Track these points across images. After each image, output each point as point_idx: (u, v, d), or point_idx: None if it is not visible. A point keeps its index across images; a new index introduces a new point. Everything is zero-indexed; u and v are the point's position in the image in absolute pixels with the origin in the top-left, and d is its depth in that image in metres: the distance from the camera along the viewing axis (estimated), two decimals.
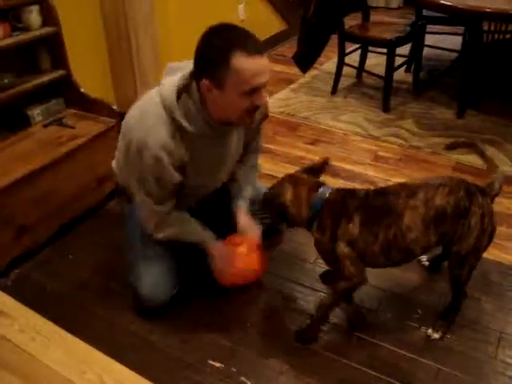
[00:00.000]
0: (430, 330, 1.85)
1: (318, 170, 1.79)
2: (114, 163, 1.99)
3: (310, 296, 2.01)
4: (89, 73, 2.87)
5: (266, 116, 1.90)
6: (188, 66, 1.61)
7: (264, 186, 1.99)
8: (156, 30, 3.06)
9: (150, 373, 1.69)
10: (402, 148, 3.02)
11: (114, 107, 2.54)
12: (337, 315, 1.91)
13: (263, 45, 1.55)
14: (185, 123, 1.60)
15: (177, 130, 1.61)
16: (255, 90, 1.52)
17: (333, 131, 3.23)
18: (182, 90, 1.61)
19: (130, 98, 3.06)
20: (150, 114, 1.63)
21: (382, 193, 1.69)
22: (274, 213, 1.76)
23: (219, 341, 1.83)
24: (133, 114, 1.69)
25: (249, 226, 1.89)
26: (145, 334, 1.86)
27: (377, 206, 1.65)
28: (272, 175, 2.72)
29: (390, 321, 1.90)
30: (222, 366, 1.74)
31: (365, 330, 1.86)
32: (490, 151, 2.92)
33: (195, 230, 1.84)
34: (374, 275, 1.96)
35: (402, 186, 1.71)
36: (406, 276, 2.09)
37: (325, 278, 2.05)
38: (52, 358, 1.75)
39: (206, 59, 1.51)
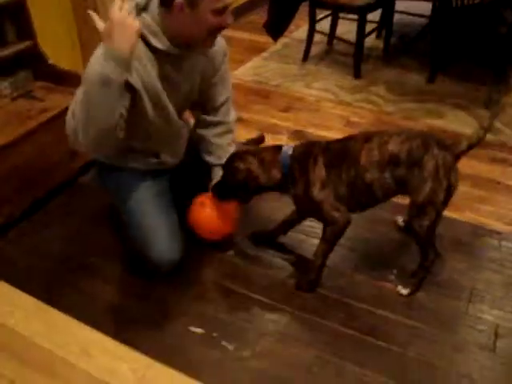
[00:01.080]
0: (399, 287, 1.91)
1: (256, 144, 1.83)
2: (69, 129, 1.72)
3: (286, 253, 2.06)
4: (57, 44, 2.80)
5: (225, 53, 1.92)
6: None
7: None
8: None
9: (131, 340, 1.73)
10: (374, 113, 3.05)
11: None
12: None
13: None
14: (149, 36, 1.60)
15: (144, 46, 1.60)
16: (225, 10, 1.58)
17: (305, 98, 3.23)
18: (141, 8, 1.61)
19: None
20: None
21: (341, 139, 1.81)
22: (243, 189, 1.80)
23: (200, 307, 1.85)
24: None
25: None
26: (124, 302, 1.88)
27: (337, 149, 1.76)
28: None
29: (365, 282, 1.95)
30: (203, 331, 1.76)
31: (340, 292, 1.90)
32: (461, 115, 2.97)
33: None
34: (348, 238, 2.02)
35: (360, 133, 1.83)
36: (381, 238, 2.14)
37: (255, 238, 2.13)
38: (34, 332, 1.76)
39: None
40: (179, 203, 1.97)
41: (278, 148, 1.80)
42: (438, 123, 2.90)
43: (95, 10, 2.78)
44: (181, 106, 1.88)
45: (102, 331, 1.76)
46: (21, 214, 2.24)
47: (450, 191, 1.72)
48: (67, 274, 1.99)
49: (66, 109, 2.30)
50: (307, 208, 1.82)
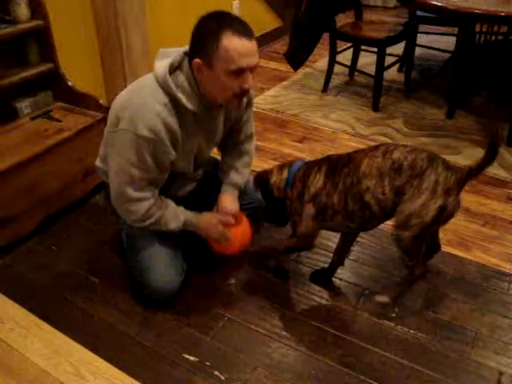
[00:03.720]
0: (377, 295, 1.95)
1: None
2: (97, 161, 1.98)
3: (285, 281, 2.04)
4: (78, 67, 2.88)
5: (249, 103, 1.96)
6: (180, 49, 1.69)
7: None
8: (147, 25, 3.07)
9: (124, 364, 1.73)
10: None
11: (101, 101, 2.55)
12: (311, 312, 1.93)
13: (253, 31, 1.60)
14: (180, 95, 1.63)
15: (172, 104, 1.64)
16: (242, 71, 1.57)
17: (321, 129, 3.24)
18: (175, 67, 1.66)
19: (119, 92, 3.07)
20: (143, 90, 1.66)
21: (352, 152, 1.86)
22: (261, 191, 1.99)
23: (195, 335, 1.84)
24: (123, 94, 1.74)
25: (230, 204, 1.96)
26: (122, 326, 1.88)
27: (340, 158, 1.82)
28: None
29: (365, 319, 1.91)
30: (197, 359, 1.75)
31: (340, 328, 1.87)
32: (477, 152, 2.93)
33: (177, 212, 1.84)
34: (352, 273, 2.00)
35: (369, 146, 1.85)
36: (385, 275, 2.11)
37: (315, 277, 2.09)
38: (30, 349, 1.78)
39: (198, 39, 1.59)
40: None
41: (295, 162, 1.94)
42: (453, 159, 2.86)
43: (117, 34, 2.89)
44: (214, 145, 1.98)
45: (97, 353, 1.77)
46: (31, 231, 2.28)
47: (443, 213, 1.67)
48: (69, 293, 2.01)
49: (82, 130, 2.40)
50: (294, 212, 1.90)
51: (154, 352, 1.78)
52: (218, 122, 1.86)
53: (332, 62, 3.64)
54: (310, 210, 1.82)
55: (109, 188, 1.83)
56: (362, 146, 3.03)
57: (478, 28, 3.48)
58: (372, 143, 3.06)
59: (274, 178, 1.94)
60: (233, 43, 1.53)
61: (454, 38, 3.99)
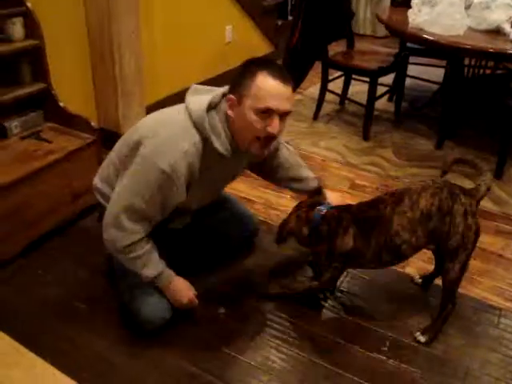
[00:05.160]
0: (417, 333, 1.93)
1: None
2: (97, 180, 1.93)
3: (278, 312, 2.01)
4: (71, 88, 2.86)
5: (277, 148, 2.01)
6: (215, 88, 1.71)
7: None
8: (141, 47, 3.06)
9: None
10: (380, 177, 3.04)
11: (93, 123, 2.52)
12: (302, 344, 1.90)
13: (291, 79, 1.64)
14: (213, 136, 1.62)
15: (202, 144, 1.63)
16: (269, 113, 1.58)
17: (311, 157, 3.23)
18: (211, 107, 1.65)
19: (111, 114, 3.07)
20: (174, 123, 1.65)
21: (372, 204, 1.86)
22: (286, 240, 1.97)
23: (183, 365, 1.80)
24: (149, 122, 1.72)
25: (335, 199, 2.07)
26: (108, 355, 1.82)
27: (368, 216, 1.83)
28: (249, 199, 2.73)
29: (357, 352, 1.89)
30: None
31: (332, 361, 1.84)
32: (467, 183, 2.95)
33: (158, 261, 1.81)
34: (342, 304, 1.98)
35: (389, 194, 1.88)
36: (376, 306, 2.10)
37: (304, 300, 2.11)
38: (9, 376, 1.71)
39: (238, 79, 1.62)
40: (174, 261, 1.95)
41: (316, 204, 1.92)
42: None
43: (111, 54, 2.89)
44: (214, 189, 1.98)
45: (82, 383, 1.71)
46: (17, 254, 2.23)
47: (477, 233, 1.81)
48: (55, 320, 1.95)
49: (72, 152, 2.37)
50: (320, 264, 1.94)
51: (142, 382, 1.73)
52: (239, 165, 1.90)
53: (323, 90, 3.67)
54: (338, 264, 1.89)
55: (104, 209, 1.80)
56: (352, 176, 3.09)
57: (466, 61, 3.56)
58: (363, 173, 3.08)
59: (295, 231, 1.93)
60: (266, 82, 1.56)
61: (443, 70, 4.05)
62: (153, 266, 1.78)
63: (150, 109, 3.32)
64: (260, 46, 4.67)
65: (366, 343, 1.92)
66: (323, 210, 1.87)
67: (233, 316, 2.01)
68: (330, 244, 1.84)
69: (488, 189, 1.86)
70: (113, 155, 1.86)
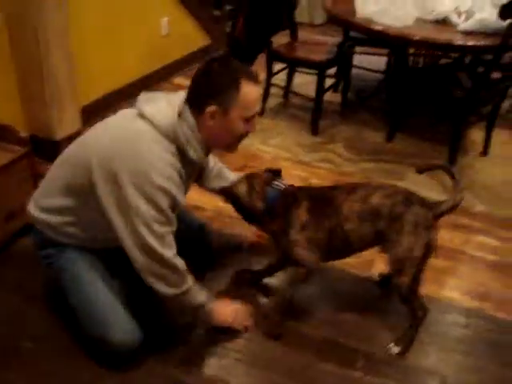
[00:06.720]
0: (391, 344, 1.86)
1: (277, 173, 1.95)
2: (34, 210, 1.75)
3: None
4: None
5: None
6: (168, 94, 1.67)
7: None
8: (71, 44, 2.80)
9: None
10: (334, 174, 2.95)
11: (22, 133, 2.26)
12: (274, 366, 1.78)
13: None
14: (187, 146, 1.61)
15: (177, 153, 1.61)
16: (253, 117, 1.65)
17: (262, 156, 3.09)
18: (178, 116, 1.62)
19: (42, 119, 2.79)
20: (144, 141, 1.56)
21: (329, 188, 1.91)
22: (233, 205, 1.92)
23: None
24: (114, 146, 1.56)
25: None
26: None
27: (323, 196, 1.85)
28: (198, 206, 2.56)
29: (331, 371, 1.78)
30: None
31: (306, 382, 1.74)
32: (421, 177, 2.91)
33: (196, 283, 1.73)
34: (317, 320, 1.87)
35: (345, 184, 1.94)
36: (350, 319, 2.00)
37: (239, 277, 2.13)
38: None
39: (214, 86, 1.58)
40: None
41: (272, 180, 1.88)
42: (403, 184, 2.81)
43: (38, 63, 2.61)
44: None
45: None
46: None
47: (429, 249, 1.75)
48: None
49: (2, 168, 2.11)
50: (282, 245, 1.88)
51: None
52: (196, 172, 1.87)
53: (268, 83, 3.53)
54: (300, 236, 1.80)
55: (39, 235, 1.72)
56: (305, 174, 2.98)
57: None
58: (316, 170, 2.98)
59: (245, 199, 1.86)
60: (251, 90, 1.59)
61: (385, 59, 4.01)
62: (199, 291, 1.74)
63: (87, 110, 3.10)
64: (197, 39, 4.44)
65: (339, 360, 1.82)
66: (281, 186, 1.86)
67: (208, 337, 1.86)
68: (285, 219, 1.81)
69: (454, 207, 1.78)
70: (58, 182, 1.70)
